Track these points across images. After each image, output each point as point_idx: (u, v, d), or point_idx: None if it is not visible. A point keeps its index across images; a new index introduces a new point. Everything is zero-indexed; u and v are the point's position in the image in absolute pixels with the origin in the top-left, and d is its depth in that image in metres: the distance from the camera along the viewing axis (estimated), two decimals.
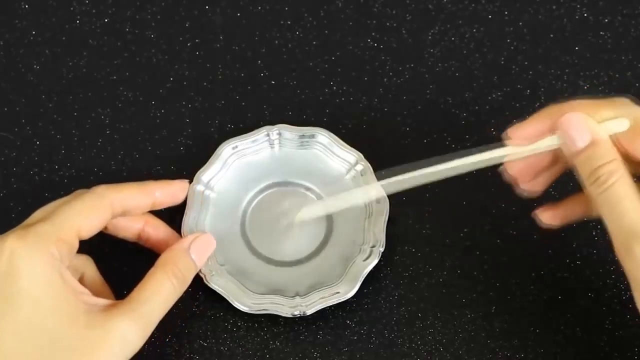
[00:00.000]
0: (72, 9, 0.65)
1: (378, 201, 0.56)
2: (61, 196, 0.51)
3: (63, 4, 0.65)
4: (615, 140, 0.47)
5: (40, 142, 0.61)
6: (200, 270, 0.53)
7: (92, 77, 0.63)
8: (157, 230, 0.54)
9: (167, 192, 0.54)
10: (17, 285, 0.45)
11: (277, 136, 0.59)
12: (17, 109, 0.62)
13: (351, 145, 0.58)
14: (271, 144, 0.59)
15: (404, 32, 0.65)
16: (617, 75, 0.63)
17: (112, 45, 0.64)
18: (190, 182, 0.57)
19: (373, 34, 0.64)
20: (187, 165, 0.59)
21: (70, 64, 0.63)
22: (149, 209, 0.53)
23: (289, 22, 0.65)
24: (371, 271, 0.55)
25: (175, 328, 0.55)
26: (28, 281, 0.46)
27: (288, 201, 0.57)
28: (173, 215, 0.56)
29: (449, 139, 0.60)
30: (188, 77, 0.63)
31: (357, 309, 0.56)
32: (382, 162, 0.57)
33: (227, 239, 0.57)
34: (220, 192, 0.58)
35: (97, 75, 0.63)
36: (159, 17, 0.65)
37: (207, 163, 0.58)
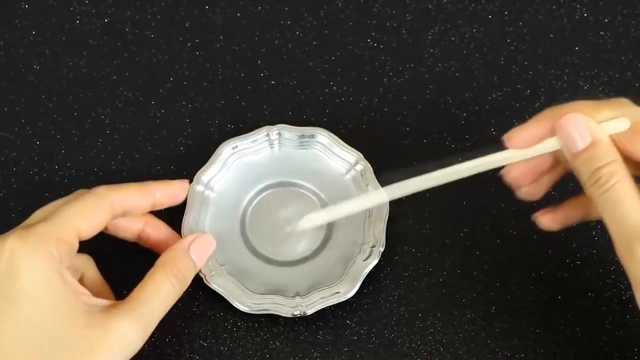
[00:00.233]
0: (72, 9, 0.65)
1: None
2: (61, 196, 0.51)
3: (63, 4, 0.65)
4: (615, 140, 0.47)
5: (40, 142, 0.61)
6: (200, 270, 0.53)
7: (92, 77, 0.63)
8: (157, 230, 0.54)
9: (167, 192, 0.54)
10: (17, 285, 0.45)
11: (277, 136, 0.59)
12: (17, 109, 0.62)
13: (351, 145, 0.58)
14: (271, 144, 0.59)
15: (404, 32, 0.65)
16: (617, 75, 0.63)
17: (112, 45, 0.64)
18: (190, 182, 0.57)
19: (373, 34, 0.64)
20: (187, 165, 0.59)
21: (70, 64, 0.63)
22: (149, 210, 0.53)
23: (289, 22, 0.65)
24: (371, 271, 0.55)
25: (175, 328, 0.55)
26: (28, 281, 0.46)
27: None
28: (173, 216, 0.56)
29: (449, 139, 0.60)
30: (188, 77, 0.63)
31: (357, 309, 0.56)
32: (382, 162, 0.58)
33: (227, 239, 0.57)
34: (220, 192, 0.58)
35: (97, 75, 0.63)
36: (159, 17, 0.65)
37: (207, 163, 0.58)
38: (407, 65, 0.63)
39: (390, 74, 0.63)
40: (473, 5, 0.65)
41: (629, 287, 0.46)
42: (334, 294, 0.54)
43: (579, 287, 0.56)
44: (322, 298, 0.54)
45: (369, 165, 0.58)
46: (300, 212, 0.56)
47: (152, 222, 0.55)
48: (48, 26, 0.65)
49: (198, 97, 0.62)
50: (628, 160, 0.47)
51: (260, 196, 0.58)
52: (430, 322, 0.55)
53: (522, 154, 0.49)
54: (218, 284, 0.54)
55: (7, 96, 0.62)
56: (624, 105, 0.49)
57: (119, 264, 0.56)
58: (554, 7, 0.65)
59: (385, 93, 0.62)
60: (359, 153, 0.58)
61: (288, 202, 0.58)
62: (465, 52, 0.64)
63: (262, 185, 0.59)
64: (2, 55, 0.64)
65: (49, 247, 0.46)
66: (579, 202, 0.52)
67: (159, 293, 0.49)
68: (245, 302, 0.54)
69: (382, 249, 0.55)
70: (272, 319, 0.55)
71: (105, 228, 0.52)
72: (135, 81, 0.63)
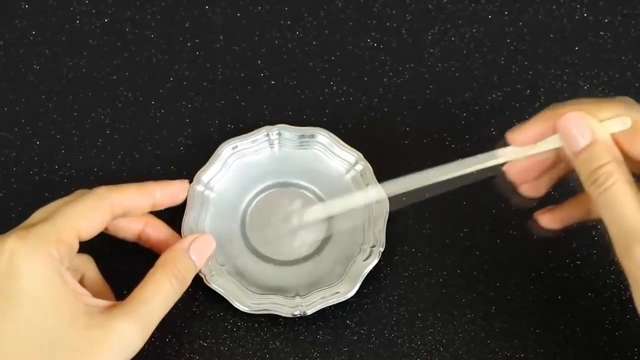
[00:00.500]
0: (72, 9, 0.65)
1: (378, 201, 0.56)
2: (61, 196, 0.51)
3: (63, 4, 0.65)
4: (617, 139, 0.47)
5: (40, 142, 0.61)
6: (200, 271, 0.53)
7: (92, 77, 0.63)
8: (158, 230, 0.54)
9: (168, 192, 0.54)
10: (17, 285, 0.45)
11: (277, 136, 0.59)
12: (17, 109, 0.62)
13: (351, 145, 0.58)
14: (271, 144, 0.59)
15: (404, 32, 0.65)
16: (617, 75, 0.63)
17: (112, 45, 0.64)
18: (190, 182, 0.57)
19: (373, 34, 0.64)
20: (187, 165, 0.59)
21: (70, 64, 0.63)
22: (149, 210, 0.53)
23: (289, 22, 0.65)
24: (371, 271, 0.55)
25: (175, 328, 0.55)
26: (28, 281, 0.46)
27: (289, 205, 0.57)
28: (173, 216, 0.56)
29: (449, 139, 0.60)
30: (188, 77, 0.63)
31: (357, 309, 0.56)
32: (382, 162, 0.58)
33: (227, 239, 0.57)
34: (220, 192, 0.58)
35: (97, 75, 0.63)
36: (159, 17, 0.65)
37: (207, 163, 0.58)
38: (407, 65, 0.63)
39: (390, 74, 0.63)
40: (473, 5, 0.65)
41: (629, 287, 0.45)
42: (334, 294, 0.54)
43: (579, 287, 0.56)
44: (322, 298, 0.54)
45: (369, 165, 0.58)
46: (298, 209, 0.56)
47: (152, 222, 0.55)
48: (48, 26, 0.65)
49: (198, 97, 0.62)
50: (628, 159, 0.47)
51: (260, 196, 0.58)
52: (430, 322, 0.55)
53: (524, 152, 0.50)
54: (218, 284, 0.54)
55: (7, 96, 0.62)
56: (627, 103, 0.48)
57: (119, 264, 0.56)
58: (554, 7, 0.65)
59: (385, 93, 0.62)
60: (359, 153, 0.58)
61: (288, 202, 0.58)
62: (465, 52, 0.64)
63: (262, 185, 0.59)
64: (2, 55, 0.64)
65: (49, 247, 0.46)
66: (579, 202, 0.52)
67: (159, 293, 0.49)
68: (245, 302, 0.54)
69: (382, 249, 0.55)
70: (272, 319, 0.55)
71: (106, 228, 0.52)
72: (135, 81, 0.63)
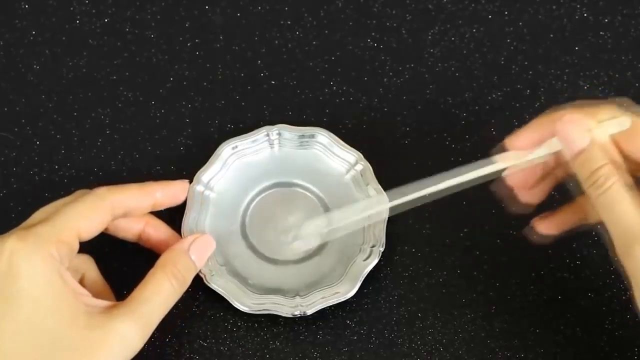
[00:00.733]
0: (72, 9, 0.65)
1: (378, 201, 0.56)
2: (61, 196, 0.51)
3: (63, 4, 0.65)
4: (615, 140, 0.47)
5: (40, 142, 0.61)
6: (200, 271, 0.53)
7: (92, 77, 0.63)
8: (158, 230, 0.54)
9: (168, 192, 0.54)
10: (17, 285, 0.45)
11: (277, 136, 0.59)
12: (17, 109, 0.62)
13: (351, 145, 0.58)
14: (271, 144, 0.59)
15: (404, 32, 0.65)
16: (617, 75, 0.63)
17: (112, 45, 0.64)
18: (191, 182, 0.57)
19: (373, 34, 0.64)
20: (187, 165, 0.59)
21: (70, 64, 0.63)
22: (149, 210, 0.53)
23: (289, 22, 0.65)
24: (371, 271, 0.55)
25: (175, 328, 0.55)
26: (28, 281, 0.46)
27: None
28: (173, 216, 0.56)
29: (449, 139, 0.60)
30: (188, 77, 0.63)
31: (357, 309, 0.56)
32: (382, 162, 0.58)
33: (227, 239, 0.57)
34: (220, 192, 0.58)
35: (97, 75, 0.63)
36: (159, 17, 0.65)
37: (207, 163, 0.58)
38: (407, 65, 0.63)
39: (390, 74, 0.63)
40: (473, 5, 0.65)
41: (629, 287, 0.45)
42: (334, 294, 0.54)
43: (579, 287, 0.56)
44: (322, 298, 0.54)
45: (369, 165, 0.58)
46: (301, 217, 0.56)
47: (152, 222, 0.55)
48: (48, 26, 0.65)
49: (198, 97, 0.62)
50: (627, 160, 0.47)
51: (261, 196, 0.58)
52: (430, 322, 0.55)
53: (524, 157, 0.49)
54: (218, 284, 0.54)
55: (7, 96, 0.62)
56: (625, 104, 0.48)
57: (119, 264, 0.56)
58: (554, 7, 0.65)
59: (385, 93, 0.62)
60: (359, 153, 0.58)
61: (288, 202, 0.58)
62: (465, 52, 0.64)
63: (262, 185, 0.59)
64: (2, 55, 0.64)
65: (49, 247, 0.46)
66: (576, 207, 0.52)
67: (159, 293, 0.49)
68: (245, 302, 0.54)
69: (382, 249, 0.55)
70: (272, 319, 0.55)
71: (106, 228, 0.52)
72: (135, 81, 0.63)
